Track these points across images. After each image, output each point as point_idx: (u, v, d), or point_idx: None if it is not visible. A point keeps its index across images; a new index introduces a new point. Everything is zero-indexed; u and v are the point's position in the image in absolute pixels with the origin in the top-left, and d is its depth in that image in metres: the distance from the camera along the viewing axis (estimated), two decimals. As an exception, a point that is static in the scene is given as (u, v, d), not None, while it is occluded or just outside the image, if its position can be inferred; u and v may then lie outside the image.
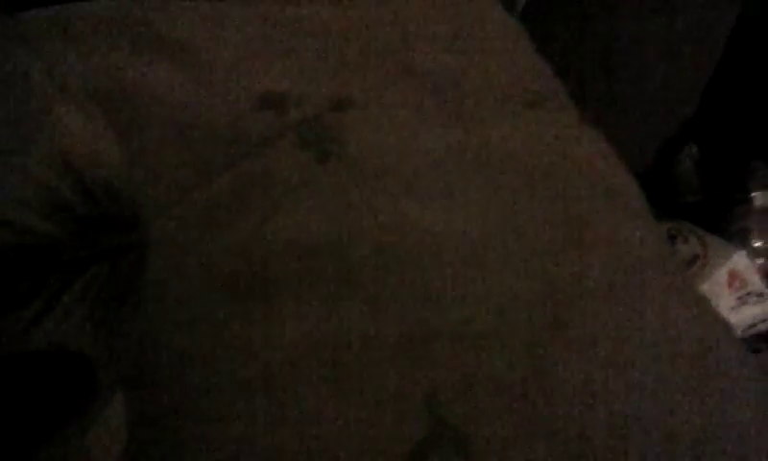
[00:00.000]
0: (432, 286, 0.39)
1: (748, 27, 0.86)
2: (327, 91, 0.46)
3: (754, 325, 0.79)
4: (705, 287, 0.76)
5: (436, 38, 0.54)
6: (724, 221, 0.85)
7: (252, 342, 0.37)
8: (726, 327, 0.46)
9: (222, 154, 0.42)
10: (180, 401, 0.36)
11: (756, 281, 0.79)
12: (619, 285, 0.42)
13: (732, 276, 0.78)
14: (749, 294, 0.78)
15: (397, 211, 0.42)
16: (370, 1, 0.55)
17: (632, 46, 0.82)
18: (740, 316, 0.78)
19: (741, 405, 0.39)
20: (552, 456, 0.34)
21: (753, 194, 0.86)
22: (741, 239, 0.83)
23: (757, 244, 0.83)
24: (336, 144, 0.43)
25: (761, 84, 0.87)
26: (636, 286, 0.43)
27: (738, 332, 0.77)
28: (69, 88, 0.40)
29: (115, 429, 0.31)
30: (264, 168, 0.42)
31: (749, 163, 0.88)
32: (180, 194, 0.39)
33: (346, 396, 0.36)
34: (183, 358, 0.37)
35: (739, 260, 0.78)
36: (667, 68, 0.84)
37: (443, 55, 0.53)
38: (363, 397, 0.36)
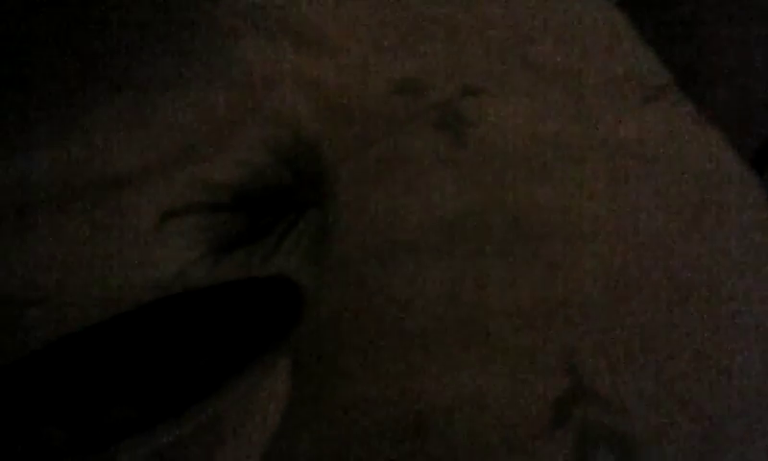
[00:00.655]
0: (562, 257, 0.42)
1: None
2: (456, 79, 0.50)
3: None
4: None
5: (549, 32, 0.57)
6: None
7: (395, 301, 0.40)
8: None
9: (365, 132, 0.46)
10: (331, 359, 0.39)
11: None
12: (742, 265, 0.44)
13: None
14: None
15: (527, 191, 0.45)
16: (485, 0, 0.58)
17: (732, 49, 0.83)
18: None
19: None
20: (685, 415, 0.36)
21: None
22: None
23: None
24: (468, 127, 0.47)
25: None
26: (759, 266, 0.44)
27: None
28: (281, 75, 0.45)
29: (281, 394, 0.34)
30: (403, 147, 0.45)
31: None
32: (331, 167, 0.43)
33: (487, 353, 0.38)
34: (337, 315, 0.40)
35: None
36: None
37: (558, 48, 0.56)
38: (503, 354, 0.38)
